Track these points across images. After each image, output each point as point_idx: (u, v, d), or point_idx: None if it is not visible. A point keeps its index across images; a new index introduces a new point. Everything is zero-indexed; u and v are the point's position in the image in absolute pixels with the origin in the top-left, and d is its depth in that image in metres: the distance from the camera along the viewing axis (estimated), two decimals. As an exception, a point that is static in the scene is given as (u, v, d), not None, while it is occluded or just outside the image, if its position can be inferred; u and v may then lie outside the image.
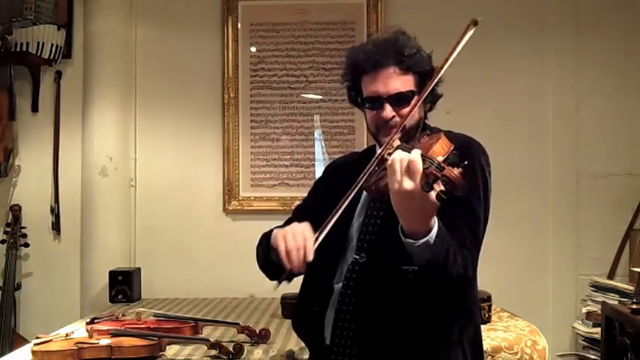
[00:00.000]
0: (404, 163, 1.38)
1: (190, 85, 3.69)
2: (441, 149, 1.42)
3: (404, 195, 1.39)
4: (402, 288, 1.56)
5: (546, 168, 3.61)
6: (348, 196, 1.60)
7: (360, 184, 1.58)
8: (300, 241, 1.56)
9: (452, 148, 1.44)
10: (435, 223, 1.44)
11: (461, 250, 1.51)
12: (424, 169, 1.36)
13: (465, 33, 1.61)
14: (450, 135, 1.68)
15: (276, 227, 1.79)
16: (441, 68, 1.61)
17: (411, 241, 1.43)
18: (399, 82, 1.68)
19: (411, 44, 1.71)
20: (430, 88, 1.63)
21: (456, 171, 1.32)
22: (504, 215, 3.43)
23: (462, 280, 1.52)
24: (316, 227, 1.61)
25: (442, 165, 1.35)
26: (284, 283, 1.68)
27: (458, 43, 1.59)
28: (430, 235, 1.43)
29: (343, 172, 1.77)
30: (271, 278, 1.75)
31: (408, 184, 1.37)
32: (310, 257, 1.55)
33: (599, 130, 3.60)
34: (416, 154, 1.38)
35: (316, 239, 1.58)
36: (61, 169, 3.69)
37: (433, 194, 1.33)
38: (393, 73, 1.67)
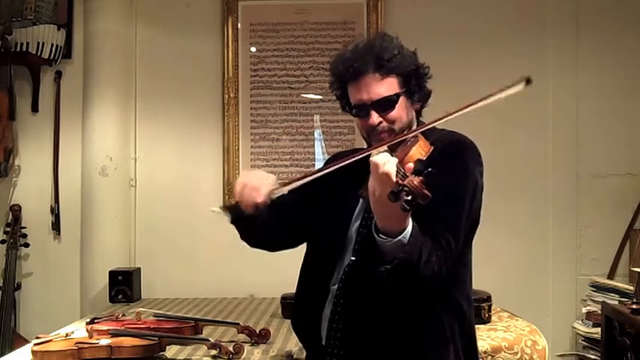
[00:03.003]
0: (379, 170, 1.37)
1: (190, 85, 3.69)
2: (417, 153, 1.42)
3: (377, 198, 1.40)
4: (389, 288, 1.55)
5: (546, 168, 3.61)
6: (324, 168, 1.66)
7: (333, 170, 1.64)
8: (257, 182, 1.71)
9: (430, 150, 1.43)
10: (409, 223, 1.44)
11: (435, 250, 1.50)
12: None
13: (513, 85, 1.54)
14: (443, 135, 1.68)
15: None
16: (470, 105, 1.58)
17: (384, 238, 1.44)
18: (381, 87, 1.67)
19: (390, 46, 1.69)
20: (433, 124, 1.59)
21: (417, 180, 1.31)
22: (505, 215, 3.44)
23: (436, 278, 1.51)
24: (302, 213, 1.78)
25: (406, 174, 1.34)
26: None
27: (502, 90, 1.54)
28: (404, 234, 1.43)
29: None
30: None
31: (380, 191, 1.38)
32: (260, 200, 1.69)
33: (599, 130, 3.60)
34: (391, 164, 1.37)
35: (274, 190, 1.71)
36: (61, 169, 3.69)
37: (398, 204, 1.33)
38: (373, 79, 1.67)
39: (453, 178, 1.45)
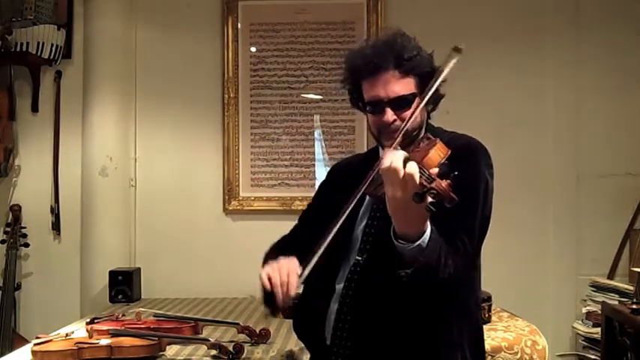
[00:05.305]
0: (400, 173, 1.36)
1: (190, 85, 3.69)
2: (437, 156, 1.41)
3: (398, 202, 1.39)
4: (399, 289, 1.55)
5: (546, 168, 3.61)
6: (344, 212, 1.58)
7: (358, 195, 1.57)
8: (284, 277, 1.60)
9: (448, 153, 1.43)
10: (428, 226, 1.43)
11: (451, 253, 1.50)
12: None
13: (447, 61, 1.57)
14: (452, 137, 1.68)
15: (277, 241, 1.89)
16: (425, 96, 1.60)
17: (404, 243, 1.43)
18: (399, 85, 1.66)
19: (410, 46, 1.69)
20: (419, 107, 1.61)
21: (444, 183, 1.31)
22: (504, 215, 3.41)
23: (452, 281, 1.51)
24: (317, 238, 1.61)
25: (432, 176, 1.33)
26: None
27: (441, 71, 1.57)
28: (423, 238, 1.42)
29: (346, 175, 1.77)
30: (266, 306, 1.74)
31: (402, 194, 1.37)
32: (293, 292, 1.59)
33: (600, 129, 3.60)
34: (412, 166, 1.36)
35: (301, 274, 1.61)
36: (61, 169, 3.69)
37: (423, 205, 1.32)
38: (392, 76, 1.66)
39: (466, 181, 1.46)
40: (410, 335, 1.61)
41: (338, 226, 1.59)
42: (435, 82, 1.58)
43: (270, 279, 1.61)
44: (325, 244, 1.59)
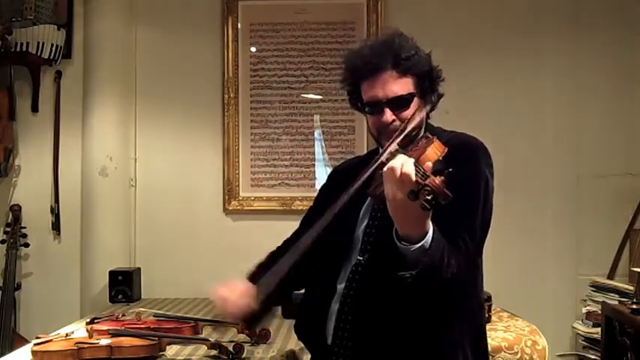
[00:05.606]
0: (397, 173, 1.36)
1: (190, 85, 3.69)
2: (433, 154, 1.41)
3: (398, 203, 1.39)
4: (401, 290, 1.55)
5: (546, 168, 3.61)
6: (331, 212, 1.60)
7: (349, 196, 1.58)
8: (225, 293, 1.81)
9: (445, 151, 1.43)
10: (430, 227, 1.43)
11: (454, 252, 1.50)
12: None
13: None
14: (452, 136, 1.68)
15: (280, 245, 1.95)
16: (404, 129, 1.61)
17: (407, 245, 1.43)
18: (397, 85, 1.66)
19: (408, 46, 1.69)
20: (407, 130, 1.61)
21: (438, 180, 1.31)
22: (504, 215, 3.42)
23: (455, 280, 1.50)
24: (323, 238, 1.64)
25: (427, 173, 1.34)
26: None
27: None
28: (425, 239, 1.42)
29: (346, 176, 1.77)
30: None
31: (401, 194, 1.37)
32: (234, 311, 1.78)
33: (599, 130, 3.60)
34: (409, 165, 1.36)
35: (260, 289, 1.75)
36: (61, 169, 3.69)
37: (418, 203, 1.32)
38: (390, 76, 1.66)
39: (466, 180, 1.45)
40: (411, 335, 1.61)
41: (309, 243, 1.62)
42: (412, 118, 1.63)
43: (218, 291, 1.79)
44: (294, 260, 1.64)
